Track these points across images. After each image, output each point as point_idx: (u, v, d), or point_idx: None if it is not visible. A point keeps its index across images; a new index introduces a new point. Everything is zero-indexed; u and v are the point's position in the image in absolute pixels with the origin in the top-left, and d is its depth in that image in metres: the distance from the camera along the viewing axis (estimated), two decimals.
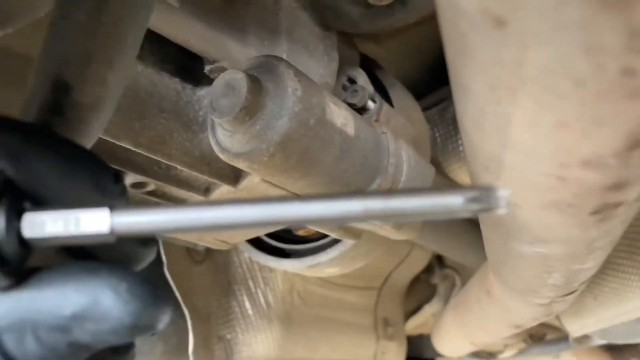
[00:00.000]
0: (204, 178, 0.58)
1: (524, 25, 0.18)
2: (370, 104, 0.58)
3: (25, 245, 0.20)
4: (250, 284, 1.00)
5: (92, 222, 0.20)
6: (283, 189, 0.55)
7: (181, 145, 0.53)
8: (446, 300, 1.51)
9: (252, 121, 0.46)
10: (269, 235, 0.83)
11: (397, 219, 0.21)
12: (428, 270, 1.50)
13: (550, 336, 1.56)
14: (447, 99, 1.02)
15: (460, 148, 0.96)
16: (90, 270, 0.21)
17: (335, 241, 0.78)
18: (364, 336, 1.26)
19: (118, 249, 0.25)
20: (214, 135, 0.49)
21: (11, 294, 0.20)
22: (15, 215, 0.20)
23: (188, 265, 0.95)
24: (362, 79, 0.67)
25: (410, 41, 0.99)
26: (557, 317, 1.04)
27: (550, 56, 0.18)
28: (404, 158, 0.58)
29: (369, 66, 0.76)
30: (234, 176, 0.59)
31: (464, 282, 1.47)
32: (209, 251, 1.00)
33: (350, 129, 0.51)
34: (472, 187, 0.21)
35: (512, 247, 0.40)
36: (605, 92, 0.21)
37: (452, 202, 0.21)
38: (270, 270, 1.02)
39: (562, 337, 1.44)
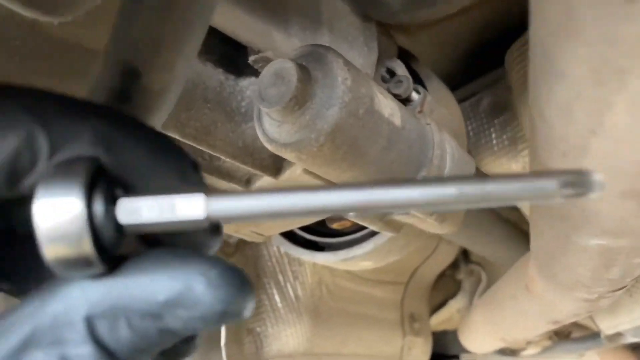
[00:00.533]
0: (245, 169, 0.57)
1: None
2: (414, 95, 0.57)
3: (120, 231, 0.20)
4: (280, 277, 0.99)
5: (188, 207, 0.20)
6: (327, 181, 0.55)
7: (225, 136, 0.53)
8: (471, 296, 1.50)
9: (301, 111, 0.45)
10: (302, 228, 0.82)
11: (491, 204, 0.21)
12: (453, 265, 1.49)
13: (576, 334, 1.54)
14: (479, 92, 1.00)
15: (494, 142, 0.95)
16: (180, 257, 0.21)
17: (370, 235, 0.78)
18: (390, 331, 1.25)
19: (186, 237, 0.25)
20: (261, 126, 0.49)
21: (105, 280, 0.20)
22: (111, 202, 0.20)
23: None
24: (401, 70, 0.66)
25: (441, 34, 0.97)
26: (590, 315, 1.03)
27: None
28: (448, 150, 0.57)
29: (405, 58, 0.75)
30: (276, 167, 0.58)
31: (490, 278, 1.46)
32: (239, 244, 1.00)
33: (397, 120, 0.51)
34: (566, 171, 0.20)
35: (573, 240, 0.38)
36: None
37: (546, 186, 0.21)
38: (300, 263, 1.02)
39: (588, 335, 1.42)
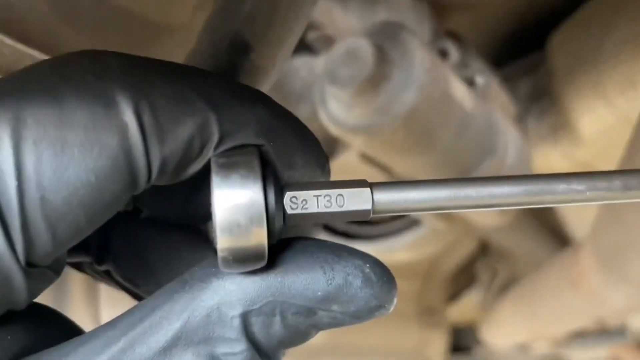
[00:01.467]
0: None
1: None
2: (478, 79, 0.54)
3: (285, 222, 0.19)
4: None
5: (355, 199, 0.19)
6: (385, 168, 0.52)
7: None
8: (487, 289, 1.48)
9: (375, 93, 0.42)
10: None
11: None
12: (470, 258, 1.46)
13: (588, 332, 1.52)
14: (514, 76, 0.97)
15: (530, 126, 0.92)
16: (331, 250, 0.19)
17: (407, 225, 0.75)
18: (407, 324, 1.23)
19: None
20: (325, 107, 0.45)
21: (261, 275, 0.18)
22: (279, 193, 0.18)
23: None
24: (454, 51, 0.63)
25: (477, 17, 0.94)
26: None
27: None
28: (510, 138, 0.54)
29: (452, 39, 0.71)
30: (328, 153, 0.55)
31: (507, 272, 1.44)
32: None
33: (467, 104, 0.47)
34: None
35: None
36: None
37: None
38: None
39: (603, 332, 1.41)
